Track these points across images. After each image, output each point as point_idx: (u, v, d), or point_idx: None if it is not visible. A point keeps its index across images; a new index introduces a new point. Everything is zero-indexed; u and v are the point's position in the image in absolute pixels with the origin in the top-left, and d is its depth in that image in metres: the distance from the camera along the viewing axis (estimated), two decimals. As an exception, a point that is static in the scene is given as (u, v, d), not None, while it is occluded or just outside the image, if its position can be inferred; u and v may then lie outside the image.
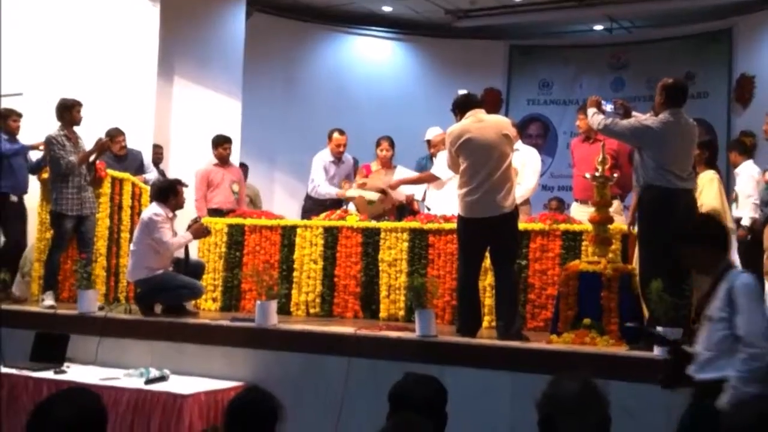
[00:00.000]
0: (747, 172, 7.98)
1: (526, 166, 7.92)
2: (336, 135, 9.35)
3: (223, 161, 9.42)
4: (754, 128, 9.60)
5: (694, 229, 4.41)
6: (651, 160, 5.77)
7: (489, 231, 6.21)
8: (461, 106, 6.51)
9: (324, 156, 9.32)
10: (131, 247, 7.44)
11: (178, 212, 7.54)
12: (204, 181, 9.24)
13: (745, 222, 7.76)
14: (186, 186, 7.79)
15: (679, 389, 4.21)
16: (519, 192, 7.62)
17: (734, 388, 3.77)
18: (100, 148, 7.91)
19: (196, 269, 7.54)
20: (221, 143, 9.38)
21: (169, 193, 7.37)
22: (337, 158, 9.37)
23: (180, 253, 7.43)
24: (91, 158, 7.87)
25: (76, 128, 7.93)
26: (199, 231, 7.52)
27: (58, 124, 7.84)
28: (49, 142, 7.72)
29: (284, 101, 12.67)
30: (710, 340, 4.01)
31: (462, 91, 6.91)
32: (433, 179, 8.03)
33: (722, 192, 6.79)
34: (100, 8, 9.54)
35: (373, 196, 8.18)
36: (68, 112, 7.83)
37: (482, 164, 6.21)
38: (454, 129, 6.44)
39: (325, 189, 9.13)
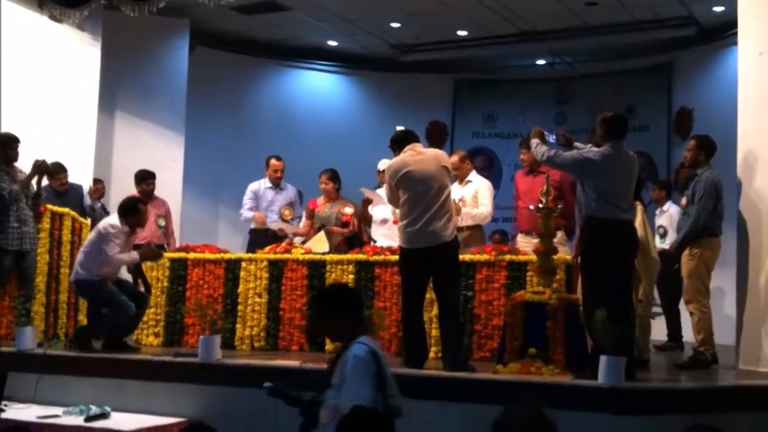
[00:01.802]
0: (670, 209, 9.07)
1: (479, 194, 8.09)
2: (273, 161, 9.46)
3: (147, 196, 9.30)
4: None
5: (324, 296, 4.50)
6: (593, 191, 5.86)
7: (430, 261, 6.24)
8: (399, 142, 6.58)
9: (261, 183, 9.43)
10: (81, 248, 7.37)
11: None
12: None
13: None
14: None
15: None
16: (476, 217, 7.99)
17: None
18: (38, 168, 7.71)
19: (138, 298, 7.40)
20: (145, 179, 9.31)
21: (128, 210, 7.30)
22: (275, 184, 9.40)
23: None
24: (33, 181, 7.71)
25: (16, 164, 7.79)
26: (147, 254, 7.56)
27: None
28: (-13, 176, 7.56)
29: (229, 135, 12.61)
30: (327, 406, 4.08)
31: (399, 128, 6.99)
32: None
33: (646, 223, 6.91)
34: (40, 42, 9.44)
35: (323, 246, 8.16)
36: (4, 149, 7.68)
37: (421, 196, 6.26)
38: (393, 163, 6.50)
39: (246, 214, 9.36)
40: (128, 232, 7.30)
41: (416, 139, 6.63)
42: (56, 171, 8.58)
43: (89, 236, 7.43)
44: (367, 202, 8.34)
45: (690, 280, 6.90)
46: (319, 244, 8.22)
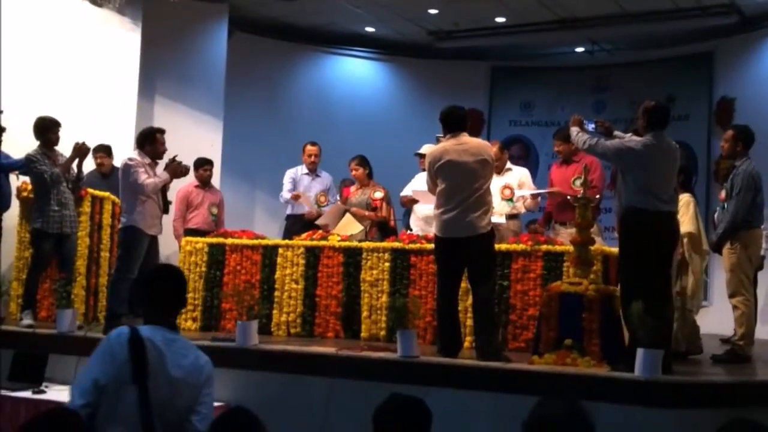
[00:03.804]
0: None
1: (528, 182, 8.31)
2: (308, 146, 9.58)
3: (204, 183, 9.43)
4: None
5: (149, 275, 4.24)
6: (632, 181, 5.80)
7: (465, 251, 6.24)
8: (448, 120, 6.47)
9: (298, 170, 9.57)
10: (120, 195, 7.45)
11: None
12: (183, 201, 9.26)
13: None
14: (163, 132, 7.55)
15: None
16: (531, 205, 8.27)
17: None
18: (78, 151, 7.74)
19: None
20: (202, 165, 9.46)
21: (145, 140, 7.32)
22: (311, 170, 9.47)
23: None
24: (74, 164, 7.77)
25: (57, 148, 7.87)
26: (176, 170, 7.49)
27: (37, 143, 7.78)
28: (30, 161, 7.65)
29: (266, 121, 12.66)
30: None
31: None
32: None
33: (698, 215, 6.84)
34: (81, 27, 9.53)
35: (355, 228, 8.20)
36: (45, 133, 7.76)
37: (460, 187, 6.24)
38: (434, 150, 6.49)
39: (286, 195, 9.50)
40: (150, 163, 7.28)
41: (464, 127, 6.50)
42: (94, 150, 8.65)
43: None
44: (413, 201, 8.36)
45: (732, 273, 6.82)
46: (351, 226, 8.24)
